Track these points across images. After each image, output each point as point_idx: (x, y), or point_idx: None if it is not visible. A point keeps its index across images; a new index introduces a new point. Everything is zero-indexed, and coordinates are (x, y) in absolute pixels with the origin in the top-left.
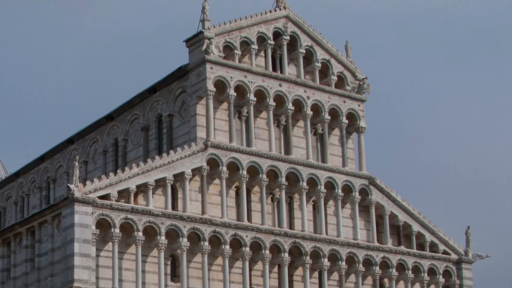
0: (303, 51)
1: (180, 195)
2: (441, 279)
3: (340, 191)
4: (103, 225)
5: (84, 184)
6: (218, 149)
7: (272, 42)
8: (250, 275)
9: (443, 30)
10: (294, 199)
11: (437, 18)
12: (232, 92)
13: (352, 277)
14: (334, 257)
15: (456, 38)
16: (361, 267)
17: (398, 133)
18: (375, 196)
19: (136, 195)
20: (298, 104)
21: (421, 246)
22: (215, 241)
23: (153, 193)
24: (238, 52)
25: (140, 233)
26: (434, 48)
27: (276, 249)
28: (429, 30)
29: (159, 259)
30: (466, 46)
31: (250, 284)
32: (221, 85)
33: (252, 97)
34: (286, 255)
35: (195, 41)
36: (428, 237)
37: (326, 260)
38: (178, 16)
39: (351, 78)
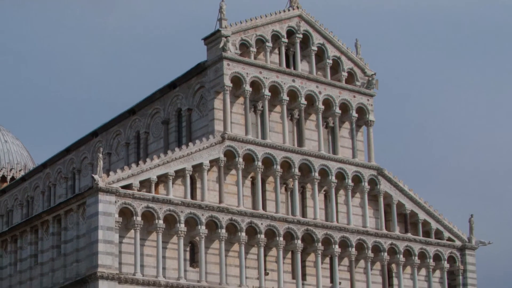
0: (315, 48)
1: (198, 185)
2: (446, 265)
3: (350, 181)
4: (125, 213)
5: (108, 175)
6: (234, 142)
7: (286, 40)
8: (265, 261)
9: (448, 29)
10: (307, 189)
11: (443, 17)
12: (248, 88)
13: (362, 263)
14: (344, 244)
15: (460, 36)
16: (370, 253)
17: (405, 126)
18: (383, 186)
19: (157, 185)
20: (311, 98)
21: (427, 234)
22: (232, 228)
23: (173, 183)
24: (253, 49)
25: (161, 221)
26: (439, 46)
27: (289, 236)
28: (434, 28)
29: (178, 246)
30: (469, 44)
31: (265, 269)
32: (237, 80)
33: (266, 92)
34: (299, 241)
35: (213, 39)
36: (434, 225)
37: (337, 246)
38: (196, 15)
39: (361, 74)
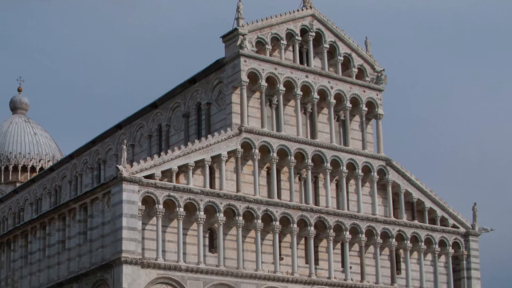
0: (327, 46)
1: (217, 175)
2: (451, 250)
3: (360, 171)
4: (148, 201)
5: (131, 165)
6: (251, 134)
7: (299, 38)
8: (279, 247)
9: (454, 27)
10: (319, 179)
11: (448, 16)
12: (263, 83)
13: (371, 248)
14: (355, 230)
15: (465, 34)
16: (379, 239)
17: (412, 119)
18: (392, 176)
19: (177, 175)
20: (323, 93)
21: (432, 221)
22: (248, 216)
23: (193, 173)
24: (269, 47)
25: (181, 209)
26: (445, 43)
27: (303, 223)
28: (441, 27)
29: (198, 232)
30: (473, 41)
31: (280, 255)
32: (253, 76)
33: (281, 87)
34: (312, 228)
35: (230, 37)
36: (439, 213)
37: (347, 233)
38: (214, 14)
39: (370, 70)
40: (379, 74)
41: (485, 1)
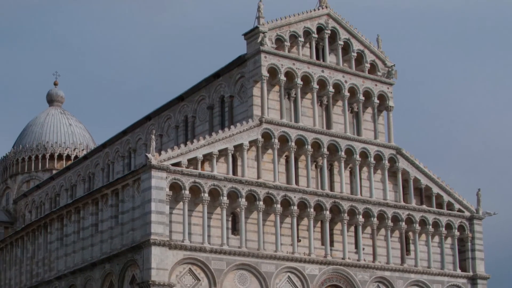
0: (342, 43)
1: (239, 162)
2: (456, 233)
3: (372, 159)
4: (175, 187)
5: (160, 154)
6: (271, 125)
7: (316, 36)
8: (297, 229)
9: (459, 25)
10: (334, 166)
11: (454, 14)
12: (282, 77)
13: (382, 231)
14: (367, 214)
15: (469, 32)
16: (390, 223)
17: (421, 111)
18: (402, 164)
19: (202, 162)
20: (338, 87)
21: (439, 205)
22: (268, 201)
23: (216, 161)
24: (287, 43)
25: (206, 194)
26: (451, 40)
27: (319, 207)
28: (447, 24)
29: (221, 216)
30: (477, 38)
31: (298, 237)
32: (273, 71)
33: (299, 81)
34: (328, 212)
35: (251, 34)
36: (446, 198)
37: (360, 217)
38: (236, 13)
39: (382, 66)
40: (389, 69)
41: (487, 1)
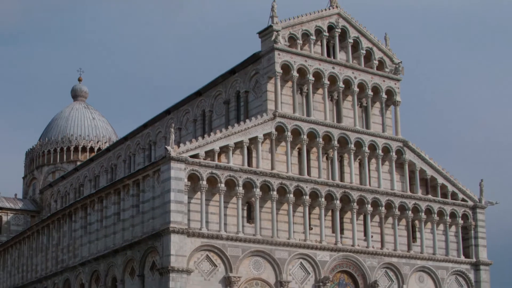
0: (351, 41)
1: (254, 154)
2: (460, 221)
3: (380, 151)
4: (193, 178)
5: (179, 146)
6: (284, 118)
7: (327, 34)
8: (309, 218)
9: (464, 23)
10: (344, 158)
11: (458, 13)
12: (295, 73)
13: (390, 220)
14: (375, 204)
15: (472, 30)
16: (397, 212)
17: (427, 106)
18: (408, 156)
19: (219, 154)
20: (347, 83)
21: (444, 195)
22: (282, 191)
23: (232, 153)
24: (300, 41)
25: (223, 185)
26: (455, 37)
27: (330, 197)
28: (451, 23)
29: (237, 205)
30: (480, 36)
31: (310, 225)
32: (286, 67)
33: (311, 77)
34: (338, 202)
35: (266, 33)
36: (450, 188)
37: (369, 206)
38: (251, 13)
39: (389, 62)
40: (397, 66)
41: (490, 0)
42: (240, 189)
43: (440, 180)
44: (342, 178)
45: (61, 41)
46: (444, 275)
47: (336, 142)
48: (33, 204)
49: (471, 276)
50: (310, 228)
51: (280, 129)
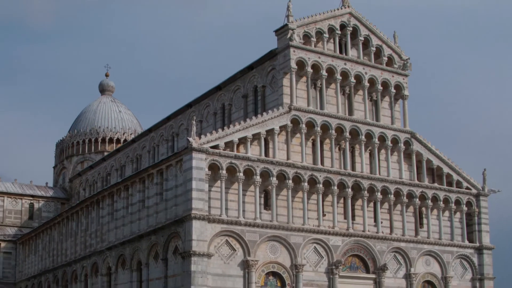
0: (362, 38)
1: (270, 145)
2: (464, 208)
3: (389, 142)
4: (213, 167)
5: (200, 138)
6: (299, 111)
7: (339, 32)
8: (322, 205)
9: (467, 22)
10: (355, 149)
11: (463, 12)
12: (309, 69)
13: (398, 206)
14: (385, 192)
15: (476, 28)
16: (405, 199)
17: (433, 99)
18: (416, 146)
19: (238, 145)
20: (358, 78)
21: (449, 183)
22: (297, 179)
23: (250, 144)
24: (313, 39)
25: (241, 174)
26: (460, 35)
27: (342, 185)
28: (457, 21)
29: (255, 193)
30: (484, 34)
31: (323, 212)
32: (301, 64)
33: (324, 72)
34: (350, 190)
35: (282, 31)
36: (455, 177)
37: (379, 194)
38: (267, 12)
39: (398, 59)
40: (405, 62)
41: (493, 0)
42: (258, 178)
43: (446, 170)
44: (353, 168)
45: (90, 39)
46: (449, 258)
47: (347, 134)
48: (63, 192)
49: (475, 259)
50: (324, 215)
51: (295, 122)
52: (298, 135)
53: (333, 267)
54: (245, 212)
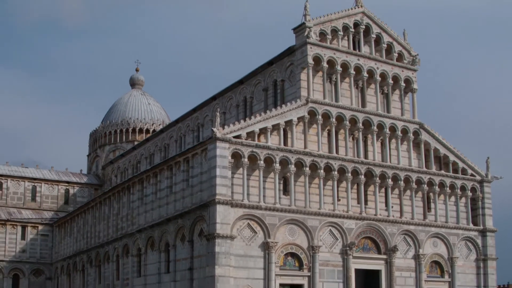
0: (374, 36)
1: (289, 135)
2: (469, 193)
3: (399, 132)
4: (236, 156)
5: (223, 128)
6: (315, 104)
7: (353, 30)
8: (337, 191)
9: (471, 20)
10: (368, 138)
11: (467, 11)
12: (325, 64)
13: (408, 192)
14: (395, 178)
15: (481, 25)
16: (414, 185)
17: (440, 92)
18: (424, 136)
19: (259, 135)
20: (371, 72)
21: (455, 171)
22: (313, 167)
23: (270, 134)
24: (329, 36)
25: (262, 162)
26: (465, 32)
27: (355, 172)
28: (462, 20)
29: (275, 180)
30: (487, 31)
31: (338, 197)
32: (317, 59)
33: (339, 68)
34: (362, 177)
35: (299, 29)
36: (460, 164)
37: (390, 180)
38: (286, 11)
39: (407, 55)
40: (414, 58)
41: (497, 2)
42: (277, 166)
43: (452, 158)
44: (366, 156)
45: (121, 36)
46: (455, 240)
47: (360, 125)
48: (96, 179)
49: (479, 241)
50: (338, 200)
51: (312, 113)
52: (314, 125)
53: (347, 248)
54: (265, 197)
